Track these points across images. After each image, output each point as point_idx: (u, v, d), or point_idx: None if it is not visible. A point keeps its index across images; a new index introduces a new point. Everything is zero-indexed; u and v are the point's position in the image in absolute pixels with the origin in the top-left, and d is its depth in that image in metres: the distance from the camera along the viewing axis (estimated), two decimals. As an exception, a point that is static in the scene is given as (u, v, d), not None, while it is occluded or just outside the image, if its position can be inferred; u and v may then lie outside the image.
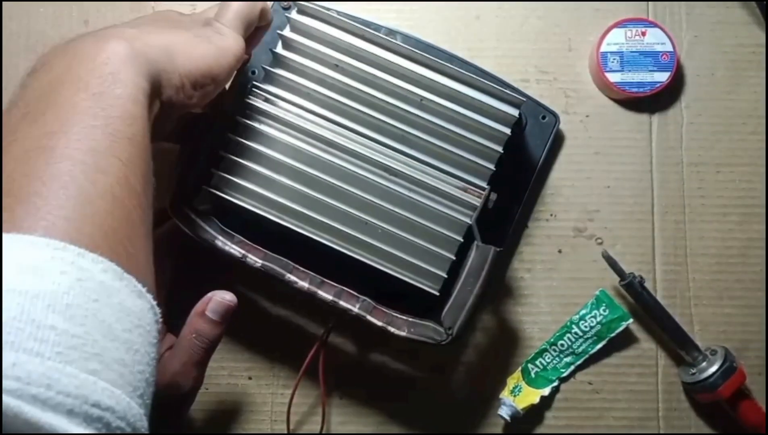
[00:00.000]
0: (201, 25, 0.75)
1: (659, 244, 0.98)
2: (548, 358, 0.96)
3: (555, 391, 0.97)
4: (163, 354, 0.80)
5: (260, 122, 0.85)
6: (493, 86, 0.84)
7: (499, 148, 0.84)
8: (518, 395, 0.95)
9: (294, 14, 0.86)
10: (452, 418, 0.97)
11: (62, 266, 0.49)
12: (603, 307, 0.95)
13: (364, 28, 0.85)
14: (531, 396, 0.95)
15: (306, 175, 0.83)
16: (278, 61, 0.86)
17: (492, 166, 0.84)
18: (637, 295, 0.94)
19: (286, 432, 0.94)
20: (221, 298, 0.79)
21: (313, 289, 0.83)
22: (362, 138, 0.84)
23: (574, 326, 0.96)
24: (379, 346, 0.97)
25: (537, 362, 0.96)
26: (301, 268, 0.84)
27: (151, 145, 0.65)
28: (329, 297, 0.83)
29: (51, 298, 0.47)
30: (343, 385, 0.96)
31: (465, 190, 0.84)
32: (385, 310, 0.84)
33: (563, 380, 0.97)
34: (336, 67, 0.85)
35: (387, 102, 0.84)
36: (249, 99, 0.84)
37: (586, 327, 0.95)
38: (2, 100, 0.97)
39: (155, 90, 0.65)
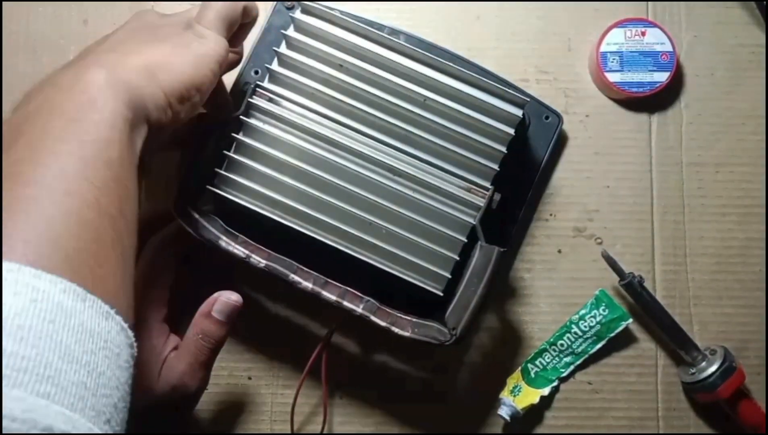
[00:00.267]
0: (182, 29, 0.74)
1: (659, 243, 0.98)
2: (548, 358, 0.96)
3: (555, 391, 0.97)
4: (169, 355, 0.80)
5: (264, 122, 0.85)
6: (497, 86, 0.84)
7: (503, 149, 0.84)
8: (518, 395, 0.95)
9: (298, 14, 0.85)
10: (452, 418, 0.97)
11: (15, 287, 0.47)
12: (602, 307, 0.96)
13: (367, 27, 0.85)
14: (531, 396, 0.95)
15: (310, 175, 0.83)
16: (282, 60, 0.86)
17: (496, 167, 0.84)
18: (636, 295, 0.94)
19: (286, 432, 0.94)
20: (227, 298, 0.79)
21: (317, 289, 0.83)
22: (366, 138, 0.84)
23: (573, 326, 0.96)
24: (379, 346, 0.97)
25: (537, 362, 0.96)
26: (305, 269, 0.83)
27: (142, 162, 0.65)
28: (333, 297, 0.83)
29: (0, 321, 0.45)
30: (344, 384, 0.96)
31: (469, 190, 0.84)
32: (389, 310, 0.83)
33: (563, 380, 0.97)
34: (340, 67, 0.85)
35: (391, 102, 0.84)
36: (252, 99, 0.84)
37: (585, 327, 0.95)
38: (2, 100, 0.97)
39: (139, 115, 0.64)
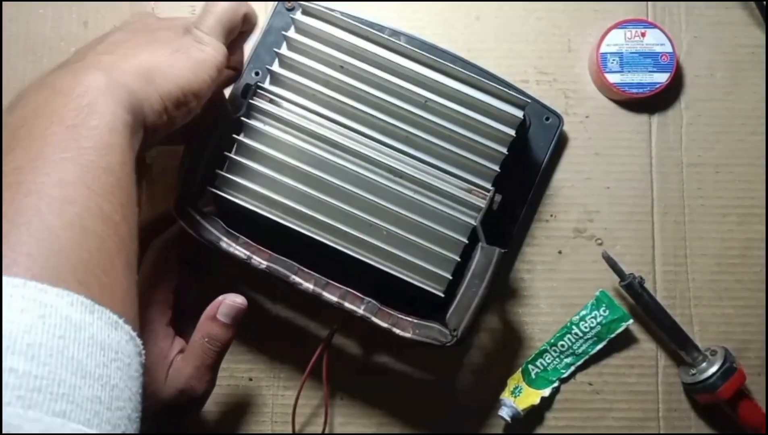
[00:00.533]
0: (180, 34, 0.74)
1: (659, 244, 0.98)
2: (548, 358, 0.96)
3: (555, 391, 0.97)
4: (175, 358, 0.80)
5: (264, 123, 0.85)
6: (498, 87, 0.84)
7: (504, 150, 0.84)
8: (519, 396, 0.95)
9: (298, 15, 0.85)
10: (453, 418, 0.97)
11: (22, 304, 0.47)
12: (603, 308, 0.96)
13: (368, 29, 0.85)
14: (531, 397, 0.95)
15: (310, 177, 0.83)
16: (282, 62, 0.86)
17: (497, 168, 0.84)
18: (637, 296, 0.94)
19: (288, 433, 0.94)
20: (232, 301, 0.79)
21: (318, 290, 0.83)
22: (367, 139, 0.84)
23: (574, 327, 0.96)
24: (380, 347, 0.97)
25: (537, 363, 0.96)
26: (306, 270, 0.83)
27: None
28: (334, 298, 0.83)
29: (9, 339, 0.45)
30: (345, 385, 0.96)
31: (469, 191, 0.84)
32: (390, 311, 0.83)
33: (563, 381, 0.97)
34: (340, 68, 0.85)
35: (391, 103, 0.84)
36: (254, 100, 0.84)
37: (586, 328, 0.95)
38: (2, 101, 0.96)
39: (137, 119, 0.64)
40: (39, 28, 0.99)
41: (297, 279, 0.83)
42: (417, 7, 1.01)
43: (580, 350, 0.96)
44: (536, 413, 0.96)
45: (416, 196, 0.84)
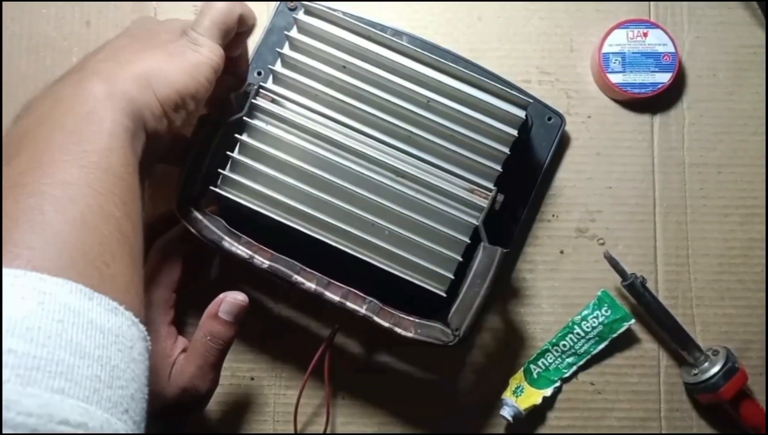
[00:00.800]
0: (177, 36, 0.75)
1: (661, 244, 0.99)
2: (550, 358, 0.96)
3: (557, 391, 0.97)
4: (178, 357, 0.80)
5: (267, 123, 0.85)
6: (500, 87, 0.84)
7: (506, 150, 0.84)
8: (520, 396, 0.95)
9: (301, 15, 0.85)
10: (454, 418, 0.97)
11: (22, 292, 0.48)
12: (605, 308, 0.96)
13: (370, 29, 0.85)
14: (533, 396, 0.95)
15: (312, 176, 0.83)
16: (285, 61, 0.86)
17: (499, 168, 0.84)
18: (638, 296, 0.94)
19: (289, 432, 0.94)
20: (233, 298, 0.79)
21: (320, 290, 0.83)
22: (369, 139, 0.84)
23: (576, 327, 0.96)
24: (382, 347, 0.97)
25: (539, 363, 0.96)
26: (308, 270, 0.83)
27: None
28: (336, 298, 0.83)
29: (9, 324, 0.47)
30: (347, 385, 0.96)
31: (472, 191, 0.84)
32: (392, 311, 0.83)
33: (565, 381, 0.97)
34: (343, 68, 0.85)
35: (393, 103, 0.84)
36: (256, 100, 0.84)
37: (588, 327, 0.96)
38: (2, 101, 0.97)
39: (137, 123, 0.66)
40: (41, 27, 0.99)
41: (299, 278, 0.83)
42: (419, 7, 1.01)
43: (581, 350, 0.96)
44: (538, 413, 0.96)
45: (418, 195, 0.84)
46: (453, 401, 0.97)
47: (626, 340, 0.97)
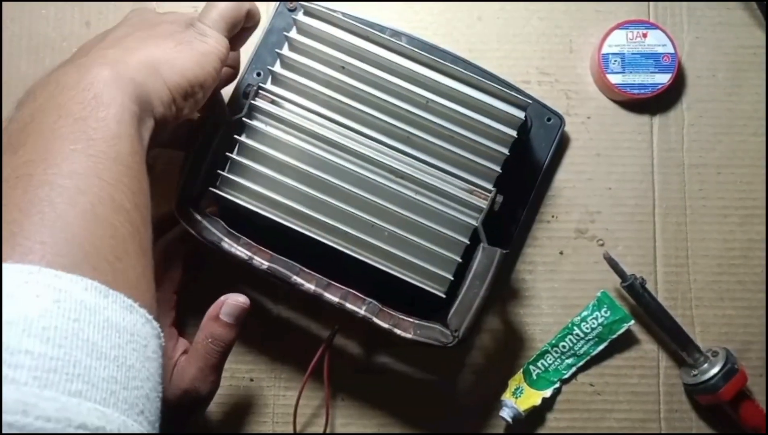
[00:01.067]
0: (183, 27, 0.75)
1: (660, 245, 0.98)
2: (550, 359, 0.96)
3: (556, 392, 0.97)
4: (179, 359, 0.80)
5: (266, 124, 0.85)
6: (499, 88, 0.84)
7: (506, 151, 0.84)
8: (520, 397, 0.95)
9: (300, 16, 0.85)
10: (454, 419, 0.97)
11: (37, 290, 0.48)
12: (604, 309, 0.96)
13: (369, 29, 0.85)
14: (532, 397, 0.95)
15: (312, 177, 0.83)
16: (284, 62, 0.86)
17: (498, 169, 0.84)
18: (638, 297, 0.94)
19: (289, 433, 0.93)
20: (234, 300, 0.79)
21: (320, 291, 0.83)
22: (368, 140, 0.84)
23: (575, 328, 0.96)
24: (382, 348, 0.97)
25: (538, 364, 0.96)
26: (307, 271, 0.83)
27: (153, 152, 0.66)
28: (335, 299, 0.83)
29: (25, 323, 0.46)
30: (346, 386, 0.96)
31: (471, 192, 0.84)
32: (391, 312, 0.83)
33: (565, 382, 0.97)
34: (342, 68, 0.85)
35: (392, 104, 0.84)
36: (255, 101, 0.84)
37: (587, 328, 0.95)
38: (2, 102, 0.97)
39: (145, 109, 0.65)
40: (41, 28, 0.99)
41: (298, 280, 0.83)
42: (418, 7, 1.01)
43: (581, 351, 0.96)
44: (537, 414, 0.96)
45: (417, 196, 0.84)
46: (452, 402, 0.97)
47: (626, 341, 0.97)
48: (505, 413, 0.94)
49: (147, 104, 0.65)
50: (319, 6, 0.86)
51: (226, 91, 0.90)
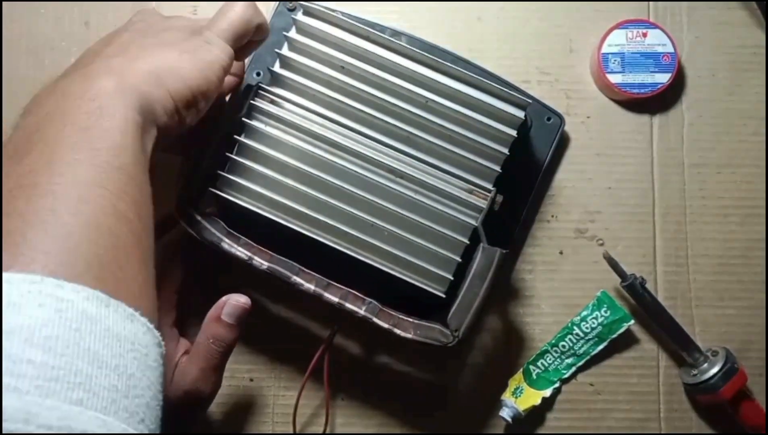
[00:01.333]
0: (189, 35, 0.74)
1: (660, 245, 0.98)
2: (550, 359, 0.96)
3: (556, 392, 0.97)
4: (180, 360, 0.80)
5: (266, 124, 0.85)
6: (499, 88, 0.84)
7: (505, 150, 0.84)
8: (520, 396, 0.95)
9: (300, 16, 0.85)
10: (454, 419, 0.97)
11: (39, 299, 0.48)
12: (604, 309, 0.96)
13: (369, 29, 0.85)
14: (532, 397, 0.95)
15: (311, 177, 0.83)
16: (284, 62, 0.86)
17: (498, 168, 0.84)
18: (638, 296, 0.94)
19: (289, 433, 0.93)
20: (236, 301, 0.79)
21: (319, 291, 0.83)
22: (368, 140, 0.84)
23: (575, 327, 0.96)
24: (381, 348, 0.97)
25: (538, 363, 0.96)
26: (307, 271, 0.83)
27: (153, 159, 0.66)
28: (335, 299, 0.83)
29: (27, 332, 0.46)
30: (346, 386, 0.96)
31: (471, 192, 0.84)
32: (391, 312, 0.83)
33: (564, 381, 0.97)
34: (342, 68, 0.85)
35: (392, 103, 0.84)
36: (255, 101, 0.84)
37: (587, 328, 0.95)
38: (2, 102, 0.97)
39: (149, 119, 0.65)
40: (40, 28, 0.99)
41: (298, 280, 0.83)
42: (418, 7, 1.01)
43: (581, 351, 0.96)
44: (537, 414, 0.96)
45: (417, 196, 0.84)
46: (452, 402, 0.97)
47: (625, 341, 0.97)
48: (505, 413, 0.94)
49: (150, 114, 0.65)
50: (319, 6, 0.86)
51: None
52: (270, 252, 0.83)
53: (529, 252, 0.98)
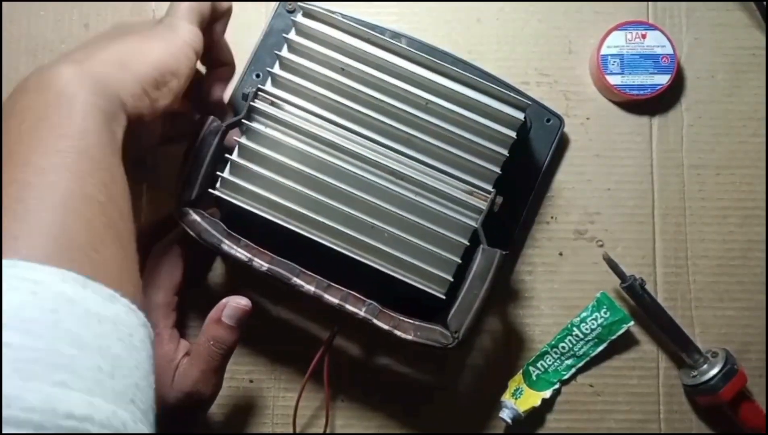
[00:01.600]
0: (152, 25, 0.75)
1: (660, 246, 0.99)
2: (549, 360, 0.96)
3: (556, 393, 0.97)
4: (181, 361, 0.80)
5: (266, 126, 0.85)
6: (499, 89, 0.84)
7: (505, 152, 0.84)
8: (519, 398, 0.95)
9: (299, 17, 0.85)
10: (454, 420, 0.97)
11: (12, 283, 0.48)
12: (604, 310, 0.96)
13: (369, 31, 0.85)
14: (532, 398, 0.95)
15: (311, 179, 0.83)
16: (283, 64, 0.86)
17: (497, 170, 0.84)
18: (637, 298, 0.94)
19: (289, 434, 0.93)
20: (236, 303, 0.79)
21: (319, 292, 0.82)
22: (368, 141, 0.84)
23: (575, 329, 0.96)
24: (382, 349, 0.97)
25: (538, 365, 0.96)
26: (307, 272, 0.83)
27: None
28: (335, 301, 0.82)
29: (3, 316, 0.46)
30: (346, 387, 0.96)
31: (471, 193, 0.84)
32: (391, 313, 0.83)
33: (564, 383, 0.97)
34: (341, 70, 0.85)
35: (392, 105, 0.84)
36: (254, 102, 0.84)
37: (587, 329, 0.95)
38: (2, 102, 0.97)
39: (114, 104, 0.65)
40: (39, 29, 1.00)
41: (298, 281, 0.82)
42: (418, 9, 1.01)
43: (580, 352, 0.96)
44: (537, 415, 0.96)
45: (417, 198, 0.84)
46: (452, 403, 0.97)
47: (625, 342, 0.97)
48: (505, 414, 0.94)
49: (115, 98, 0.65)
50: (319, 7, 0.86)
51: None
52: (270, 253, 0.83)
53: (528, 253, 0.98)
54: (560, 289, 0.98)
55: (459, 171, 0.85)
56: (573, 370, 0.96)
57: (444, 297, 0.84)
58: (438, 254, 0.84)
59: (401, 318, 0.83)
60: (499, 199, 0.83)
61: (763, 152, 0.99)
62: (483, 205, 0.83)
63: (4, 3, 0.99)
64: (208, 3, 0.78)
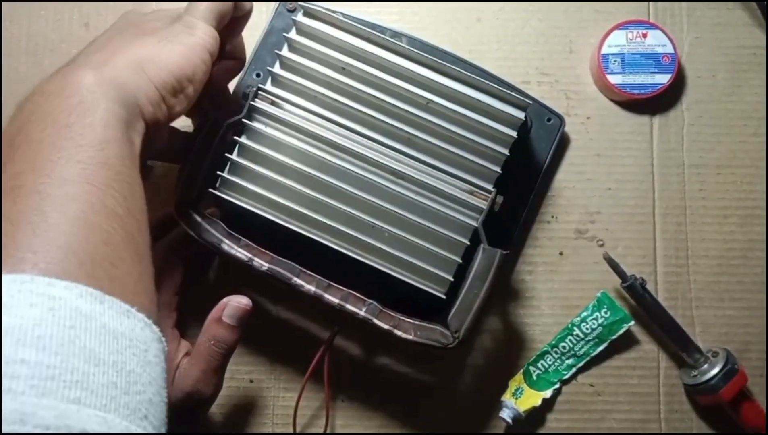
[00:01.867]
0: (168, 22, 0.74)
1: (660, 245, 0.98)
2: (550, 360, 0.96)
3: (556, 393, 0.97)
4: (181, 361, 0.80)
5: (266, 125, 0.85)
6: (499, 89, 0.84)
7: (506, 151, 0.84)
8: (520, 397, 0.95)
9: (299, 17, 0.85)
10: (454, 420, 0.97)
11: (30, 298, 0.47)
12: (604, 309, 0.95)
13: (369, 30, 0.85)
14: (532, 398, 0.95)
15: (312, 178, 0.83)
16: (284, 63, 0.86)
17: (498, 169, 0.84)
18: (638, 297, 0.94)
19: (289, 434, 0.93)
20: (237, 302, 0.79)
21: (320, 292, 0.82)
22: (368, 141, 0.84)
23: (575, 328, 0.96)
24: (382, 349, 0.97)
25: (538, 364, 0.96)
26: (308, 272, 0.83)
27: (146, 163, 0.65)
28: (335, 301, 0.82)
29: (20, 332, 0.45)
30: (347, 387, 0.96)
31: (471, 193, 0.84)
32: (391, 313, 0.83)
33: (565, 382, 0.97)
34: (342, 69, 0.85)
35: (393, 105, 0.84)
36: (255, 102, 0.84)
37: (587, 329, 0.95)
38: (2, 103, 0.97)
39: (133, 112, 0.65)
40: (40, 29, 0.99)
41: (298, 281, 0.82)
42: (418, 8, 1.01)
43: (581, 352, 0.96)
44: (537, 415, 0.96)
45: (418, 197, 0.84)
46: (452, 403, 0.97)
47: (626, 342, 0.97)
48: (505, 414, 0.94)
49: (134, 106, 0.65)
50: (319, 7, 0.85)
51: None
52: (270, 253, 0.83)
53: (529, 253, 0.98)
54: (561, 288, 0.98)
55: (459, 170, 0.85)
56: (573, 369, 0.96)
57: (444, 297, 0.84)
58: (438, 254, 0.84)
59: (401, 318, 0.83)
60: (500, 199, 0.83)
61: (764, 151, 0.99)
62: (483, 205, 0.83)
63: (4, 3, 0.99)
64: (230, 3, 0.78)
